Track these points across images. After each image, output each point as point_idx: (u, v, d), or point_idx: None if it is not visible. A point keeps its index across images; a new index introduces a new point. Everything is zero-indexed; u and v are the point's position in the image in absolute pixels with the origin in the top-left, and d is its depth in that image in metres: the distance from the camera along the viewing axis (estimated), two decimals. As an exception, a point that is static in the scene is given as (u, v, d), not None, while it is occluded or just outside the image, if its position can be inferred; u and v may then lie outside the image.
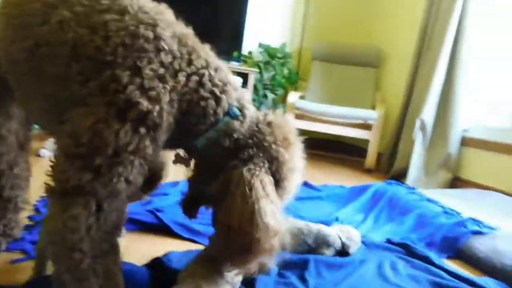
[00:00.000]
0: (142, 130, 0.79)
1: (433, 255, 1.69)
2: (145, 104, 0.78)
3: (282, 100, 4.23)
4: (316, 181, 2.71)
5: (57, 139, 0.89)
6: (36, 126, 3.37)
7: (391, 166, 3.58)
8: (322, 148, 4.20)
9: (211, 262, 1.03)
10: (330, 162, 3.80)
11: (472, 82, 3.17)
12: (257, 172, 0.89)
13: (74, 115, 0.80)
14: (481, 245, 1.76)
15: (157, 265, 1.30)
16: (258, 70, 3.97)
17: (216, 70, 0.91)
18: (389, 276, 1.47)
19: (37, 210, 1.71)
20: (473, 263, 1.73)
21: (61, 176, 0.79)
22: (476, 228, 1.88)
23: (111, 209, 0.81)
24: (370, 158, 3.63)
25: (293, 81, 4.15)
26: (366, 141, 3.70)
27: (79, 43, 0.81)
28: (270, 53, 4.05)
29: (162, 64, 0.82)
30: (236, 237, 0.86)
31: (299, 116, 3.65)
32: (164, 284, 1.09)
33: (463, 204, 2.31)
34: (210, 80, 0.89)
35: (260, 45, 4.14)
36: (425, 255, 1.67)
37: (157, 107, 0.80)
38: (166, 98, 0.81)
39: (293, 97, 3.76)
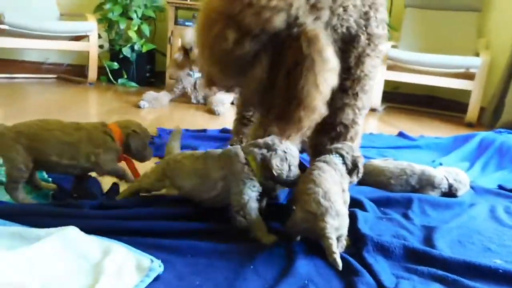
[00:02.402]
0: None
1: (555, 203, 1.51)
2: None
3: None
4: (411, 134, 2.56)
5: None
6: (134, 84, 3.60)
7: (495, 121, 3.25)
8: (415, 103, 3.94)
9: None
10: (425, 117, 3.55)
11: None
12: None
13: None
14: None
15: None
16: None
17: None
18: (504, 219, 1.35)
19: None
20: None
21: None
22: None
23: None
24: (472, 111, 3.32)
25: (384, 31, 3.90)
26: (465, 95, 3.38)
27: None
28: (359, 2, 3.81)
29: None
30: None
31: (391, 67, 3.44)
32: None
33: None
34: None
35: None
36: (545, 202, 1.50)
37: None
38: None
39: (384, 46, 3.52)
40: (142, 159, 1.34)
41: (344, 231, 1.02)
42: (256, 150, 1.10)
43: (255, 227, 1.06)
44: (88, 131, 1.21)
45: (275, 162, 1.06)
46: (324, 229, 0.95)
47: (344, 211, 1.02)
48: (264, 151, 1.09)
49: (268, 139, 1.11)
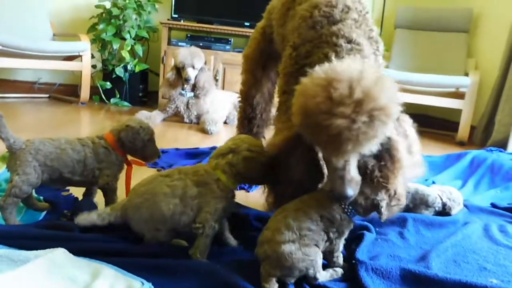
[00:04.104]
0: None
1: (548, 221, 1.51)
2: None
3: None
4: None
5: None
6: (127, 104, 3.60)
7: (486, 139, 3.29)
8: (406, 122, 3.96)
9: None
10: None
11: None
12: None
13: None
14: None
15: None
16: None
17: None
18: (498, 238, 1.34)
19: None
20: None
21: None
22: None
23: None
24: (463, 130, 3.35)
25: (375, 51, 3.95)
26: (455, 114, 3.41)
27: None
28: (350, 23, 3.87)
29: None
30: None
31: (382, 87, 3.47)
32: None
33: None
34: None
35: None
36: (538, 220, 1.51)
37: None
38: None
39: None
40: (144, 159, 1.31)
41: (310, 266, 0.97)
42: (220, 160, 1.08)
43: (201, 247, 1.04)
44: (91, 148, 1.25)
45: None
46: None
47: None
48: (230, 156, 1.07)
49: (230, 143, 1.10)
